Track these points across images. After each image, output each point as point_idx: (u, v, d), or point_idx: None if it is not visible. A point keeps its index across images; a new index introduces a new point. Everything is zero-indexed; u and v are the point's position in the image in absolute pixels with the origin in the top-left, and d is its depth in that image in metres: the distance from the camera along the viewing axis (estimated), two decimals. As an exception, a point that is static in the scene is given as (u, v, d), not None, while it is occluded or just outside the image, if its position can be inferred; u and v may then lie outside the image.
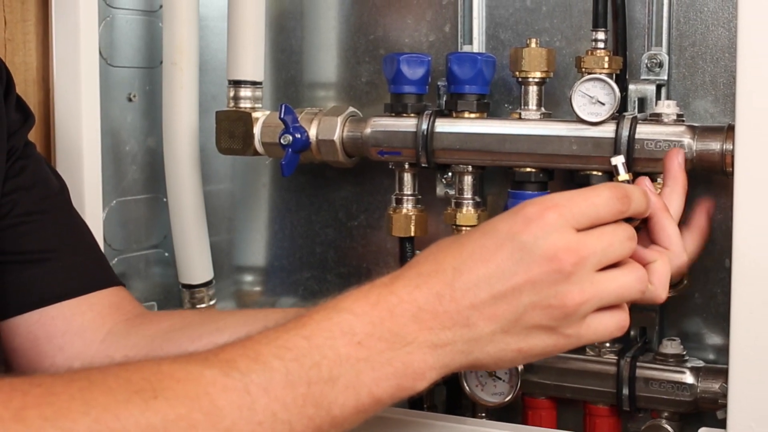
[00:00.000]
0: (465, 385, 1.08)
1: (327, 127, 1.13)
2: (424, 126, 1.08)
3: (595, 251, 0.76)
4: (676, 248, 0.85)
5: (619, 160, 0.88)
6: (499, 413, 1.13)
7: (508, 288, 0.75)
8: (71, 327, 0.99)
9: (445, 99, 1.13)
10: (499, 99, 1.15)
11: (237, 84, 1.18)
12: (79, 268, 1.02)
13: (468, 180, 1.10)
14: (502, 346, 0.77)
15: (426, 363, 0.75)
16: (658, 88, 1.06)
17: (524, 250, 0.75)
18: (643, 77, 1.06)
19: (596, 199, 0.77)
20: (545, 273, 0.74)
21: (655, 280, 0.81)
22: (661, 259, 0.82)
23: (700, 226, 0.96)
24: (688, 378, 1.02)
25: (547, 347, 0.78)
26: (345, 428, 0.73)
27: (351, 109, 1.16)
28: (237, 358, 0.70)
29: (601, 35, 1.03)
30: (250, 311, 1.04)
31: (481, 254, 0.76)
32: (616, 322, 0.79)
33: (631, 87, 1.06)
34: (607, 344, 1.06)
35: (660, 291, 0.82)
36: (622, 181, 0.86)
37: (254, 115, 1.17)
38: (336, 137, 1.13)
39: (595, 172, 1.03)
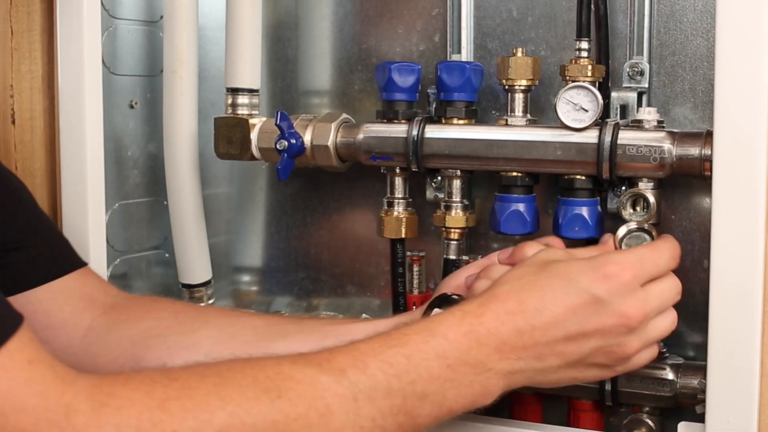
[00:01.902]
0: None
1: (321, 133, 1.13)
2: (415, 132, 1.07)
3: (655, 308, 0.87)
4: None
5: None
6: (486, 408, 1.12)
7: (579, 332, 0.83)
8: (53, 322, 0.99)
9: (434, 106, 1.12)
10: (486, 106, 1.14)
11: (235, 91, 1.17)
12: (46, 256, 1.02)
13: (457, 184, 1.10)
14: (562, 376, 0.86)
15: (498, 386, 0.83)
16: (640, 95, 1.05)
17: (600, 303, 0.83)
18: (624, 85, 1.06)
19: (660, 261, 0.88)
20: (614, 326, 0.84)
21: None
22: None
23: None
24: (669, 374, 1.01)
25: (597, 377, 0.89)
26: None
27: (344, 115, 1.15)
28: (348, 369, 0.77)
29: (584, 45, 1.02)
30: (227, 317, 1.03)
31: (561, 300, 0.83)
32: (651, 355, 0.90)
33: (614, 94, 1.05)
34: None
35: None
36: None
37: (251, 121, 1.16)
38: (330, 143, 1.12)
39: (578, 176, 1.02)
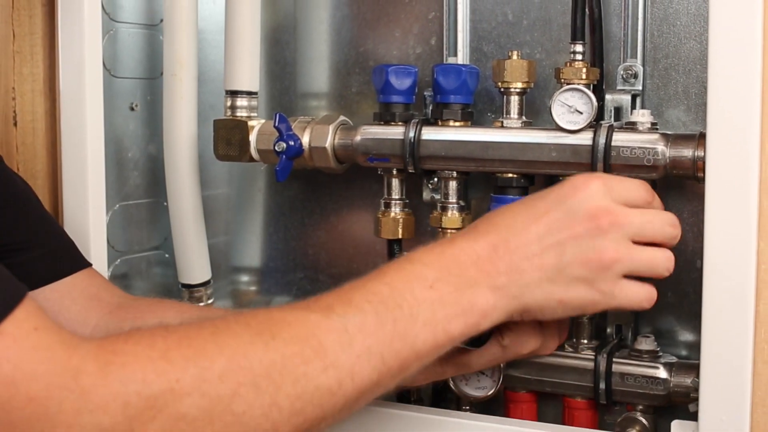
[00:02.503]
0: (450, 379, 1.07)
1: (319, 134, 1.12)
2: (411, 134, 1.07)
3: (632, 222, 0.85)
4: None
5: None
6: (482, 406, 1.12)
7: (554, 242, 0.83)
8: (60, 321, 0.98)
9: (431, 108, 1.12)
10: (482, 108, 1.14)
11: (234, 94, 1.17)
12: (52, 255, 1.03)
13: (453, 185, 1.10)
14: (547, 295, 0.84)
15: (488, 302, 0.82)
16: (633, 97, 1.05)
17: (570, 211, 0.84)
18: (619, 87, 1.06)
19: (627, 183, 0.87)
20: (586, 229, 0.83)
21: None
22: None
23: None
24: (662, 373, 1.01)
25: (584, 301, 0.86)
26: (425, 362, 0.81)
27: (342, 117, 1.15)
28: (334, 304, 0.78)
29: (579, 48, 1.02)
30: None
31: (533, 214, 0.85)
32: (647, 292, 0.87)
33: (608, 97, 1.05)
34: (585, 341, 1.06)
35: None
36: None
37: (250, 123, 1.16)
38: (328, 144, 1.12)
39: (573, 178, 1.02)
